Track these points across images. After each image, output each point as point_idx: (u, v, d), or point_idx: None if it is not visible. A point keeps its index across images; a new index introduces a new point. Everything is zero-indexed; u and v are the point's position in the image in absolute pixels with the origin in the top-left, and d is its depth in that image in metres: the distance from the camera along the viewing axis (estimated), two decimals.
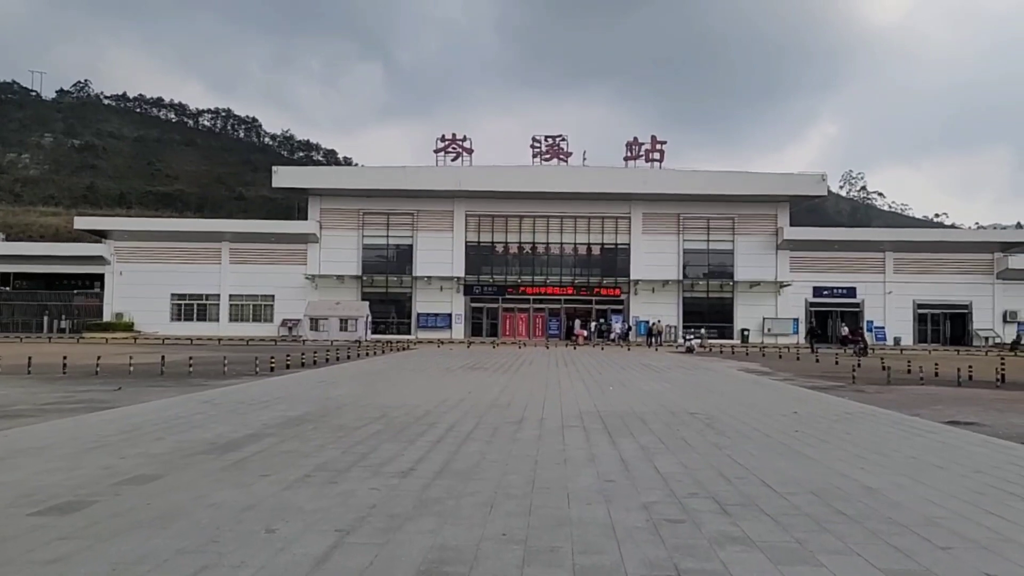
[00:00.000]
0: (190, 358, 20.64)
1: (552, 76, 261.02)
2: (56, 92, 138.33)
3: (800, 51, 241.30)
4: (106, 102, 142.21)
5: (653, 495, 6.29)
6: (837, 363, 29.42)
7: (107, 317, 50.60)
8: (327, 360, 26.57)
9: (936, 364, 24.54)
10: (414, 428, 10.08)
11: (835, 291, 52.75)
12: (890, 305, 52.31)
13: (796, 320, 51.93)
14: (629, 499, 6.13)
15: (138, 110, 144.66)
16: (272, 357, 22.32)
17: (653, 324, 48.84)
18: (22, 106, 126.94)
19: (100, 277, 52.22)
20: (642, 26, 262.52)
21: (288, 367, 22.36)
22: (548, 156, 52.22)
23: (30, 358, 19.98)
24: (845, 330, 43.85)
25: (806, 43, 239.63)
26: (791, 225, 53.00)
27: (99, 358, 19.99)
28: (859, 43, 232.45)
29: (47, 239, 61.61)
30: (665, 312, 51.52)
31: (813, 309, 52.84)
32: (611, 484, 6.69)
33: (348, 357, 29.08)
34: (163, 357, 20.05)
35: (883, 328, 52.14)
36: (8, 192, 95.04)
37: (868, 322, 52.26)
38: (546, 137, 52.40)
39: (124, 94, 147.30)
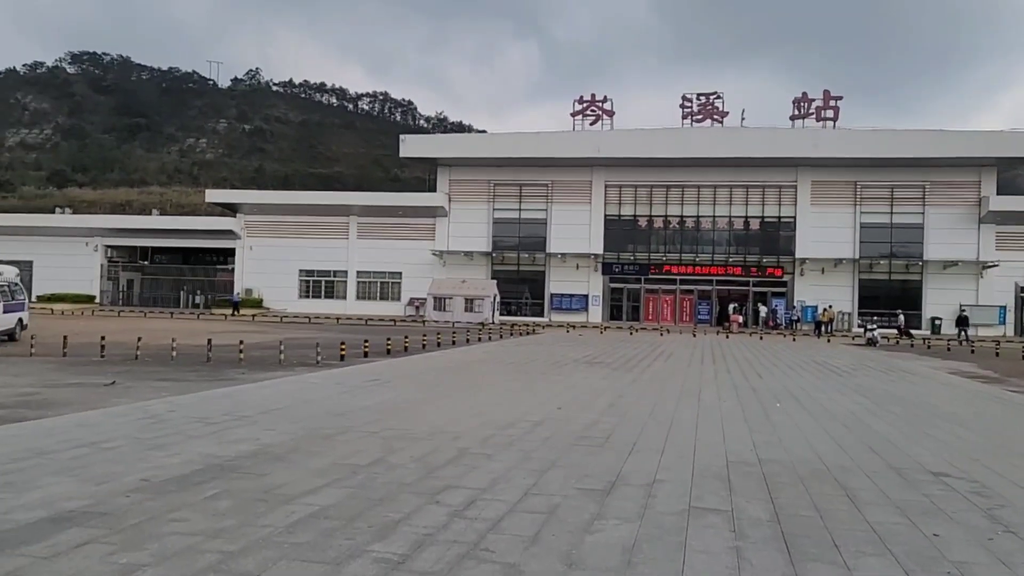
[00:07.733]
0: (240, 341, 16.98)
1: (710, 49, 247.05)
2: (231, 80, 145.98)
3: (987, 8, 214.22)
4: (274, 88, 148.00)
5: None
6: None
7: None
8: (424, 346, 22.48)
9: None
10: (399, 503, 5.33)
11: None
12: None
13: (1003, 308, 42.92)
14: None
15: (302, 95, 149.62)
16: (343, 343, 18.32)
17: (824, 310, 41.62)
18: (201, 94, 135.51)
19: (234, 252, 51.31)
20: None
21: (366, 355, 18.37)
22: (700, 117, 45.63)
23: (65, 337, 17.03)
24: None
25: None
26: (997, 194, 43.79)
27: (139, 339, 16.72)
28: None
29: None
30: (837, 296, 43.91)
31: None
32: None
33: (453, 343, 24.88)
34: (209, 340, 16.48)
35: None
36: (187, 175, 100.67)
37: None
38: (698, 95, 45.74)
39: (290, 80, 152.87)
